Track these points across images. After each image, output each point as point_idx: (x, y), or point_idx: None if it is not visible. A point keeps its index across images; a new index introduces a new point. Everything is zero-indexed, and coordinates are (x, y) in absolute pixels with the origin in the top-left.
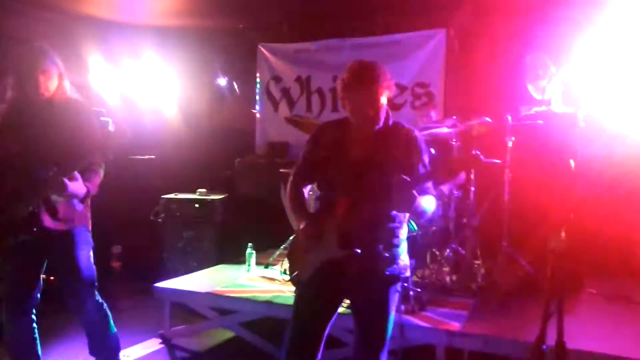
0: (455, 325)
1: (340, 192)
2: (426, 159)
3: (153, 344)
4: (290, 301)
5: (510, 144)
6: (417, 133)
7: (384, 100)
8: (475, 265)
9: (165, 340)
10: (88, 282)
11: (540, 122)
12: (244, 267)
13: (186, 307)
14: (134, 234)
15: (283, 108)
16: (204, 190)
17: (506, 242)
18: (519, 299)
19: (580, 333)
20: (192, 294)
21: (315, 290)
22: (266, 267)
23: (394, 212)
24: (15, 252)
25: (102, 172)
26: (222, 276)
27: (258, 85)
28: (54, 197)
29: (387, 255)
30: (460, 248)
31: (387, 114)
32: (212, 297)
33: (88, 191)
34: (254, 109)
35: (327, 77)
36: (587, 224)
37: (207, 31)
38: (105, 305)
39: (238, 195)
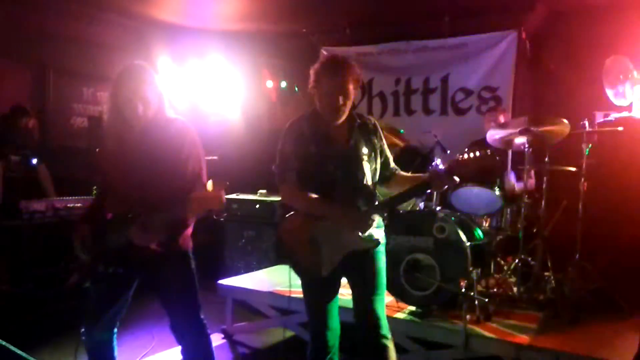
0: (523, 338)
1: (341, 187)
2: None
3: (216, 339)
4: (350, 304)
5: (587, 151)
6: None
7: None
8: (545, 277)
9: (228, 336)
10: (188, 307)
11: (620, 128)
12: None
13: (247, 305)
14: (198, 232)
15: None
16: (264, 191)
17: (579, 253)
18: (592, 313)
19: None
20: (255, 293)
21: (331, 282)
22: None
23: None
24: (103, 280)
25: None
26: (282, 276)
27: None
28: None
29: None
30: (529, 258)
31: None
32: (273, 296)
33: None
34: None
35: (390, 81)
36: None
37: (270, 35)
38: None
39: None
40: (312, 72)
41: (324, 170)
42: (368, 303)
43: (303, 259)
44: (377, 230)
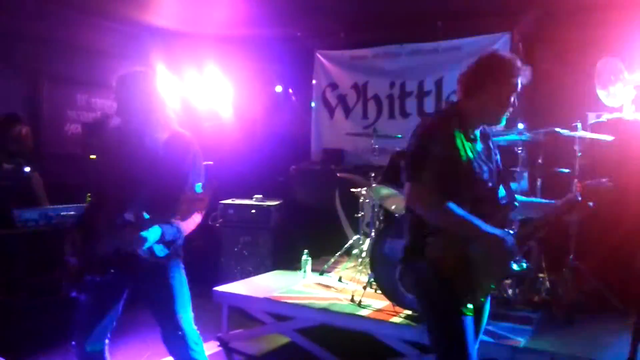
0: (519, 341)
1: (493, 201)
2: None
3: (211, 347)
4: (347, 309)
5: (579, 152)
6: None
7: None
8: (540, 278)
9: (223, 343)
10: (179, 317)
11: (614, 117)
12: (299, 273)
13: (243, 311)
14: (193, 238)
15: (339, 115)
16: (260, 196)
17: (573, 255)
18: (587, 314)
19: None
20: (250, 299)
21: (480, 313)
22: (321, 274)
23: None
24: (92, 290)
25: (197, 219)
26: (278, 282)
27: (314, 92)
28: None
29: None
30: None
31: None
32: (269, 302)
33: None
34: (310, 115)
35: (384, 84)
36: None
37: (265, 39)
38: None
39: (293, 202)
40: (485, 71)
41: (480, 178)
42: None
43: (458, 283)
44: None
